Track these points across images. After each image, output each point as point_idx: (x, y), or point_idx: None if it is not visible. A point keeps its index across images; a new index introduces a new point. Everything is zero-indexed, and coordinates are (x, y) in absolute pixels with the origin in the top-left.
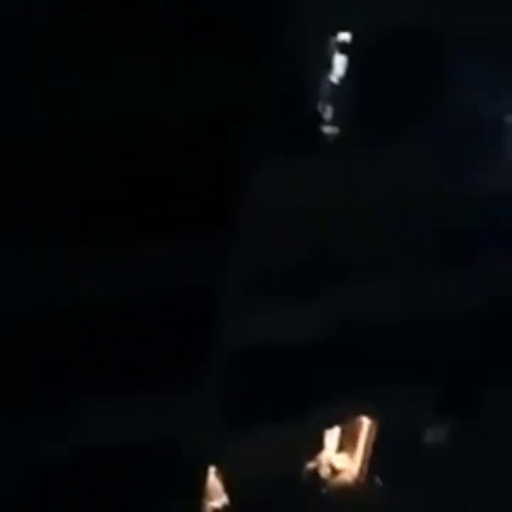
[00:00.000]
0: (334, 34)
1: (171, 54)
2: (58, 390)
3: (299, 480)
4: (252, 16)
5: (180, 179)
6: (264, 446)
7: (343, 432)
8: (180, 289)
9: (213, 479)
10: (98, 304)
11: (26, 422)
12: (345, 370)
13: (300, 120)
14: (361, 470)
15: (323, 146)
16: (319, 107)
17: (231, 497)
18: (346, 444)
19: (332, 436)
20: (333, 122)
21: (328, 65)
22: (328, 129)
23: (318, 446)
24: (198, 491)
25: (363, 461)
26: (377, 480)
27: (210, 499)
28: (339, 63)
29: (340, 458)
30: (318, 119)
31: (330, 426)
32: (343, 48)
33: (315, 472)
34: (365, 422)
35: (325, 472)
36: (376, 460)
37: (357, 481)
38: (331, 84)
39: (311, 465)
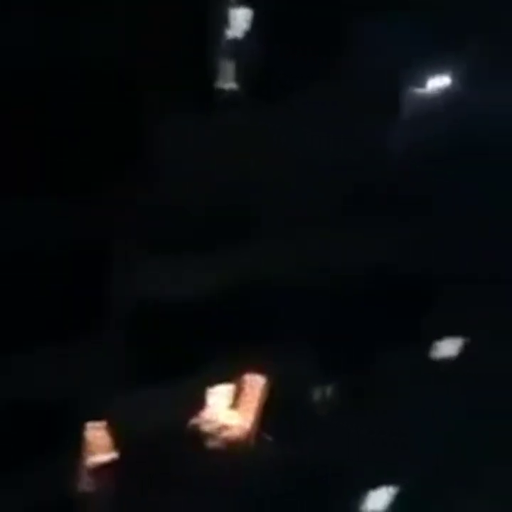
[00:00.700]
0: None
1: None
2: None
3: (185, 435)
4: None
5: (75, 133)
6: (154, 403)
7: (238, 390)
8: (74, 244)
9: (103, 434)
10: None
11: None
12: (235, 329)
13: (197, 76)
14: (252, 427)
15: (222, 102)
16: (218, 63)
17: (120, 452)
18: (241, 401)
19: (225, 393)
20: (233, 79)
21: (227, 20)
22: (227, 85)
23: (203, 403)
24: (79, 445)
25: (254, 418)
26: (267, 436)
27: (99, 453)
28: (242, 18)
29: (232, 414)
30: (215, 75)
31: (219, 382)
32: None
33: (198, 428)
34: (259, 381)
35: (212, 427)
36: (267, 417)
37: (247, 436)
38: (233, 39)
39: (195, 420)
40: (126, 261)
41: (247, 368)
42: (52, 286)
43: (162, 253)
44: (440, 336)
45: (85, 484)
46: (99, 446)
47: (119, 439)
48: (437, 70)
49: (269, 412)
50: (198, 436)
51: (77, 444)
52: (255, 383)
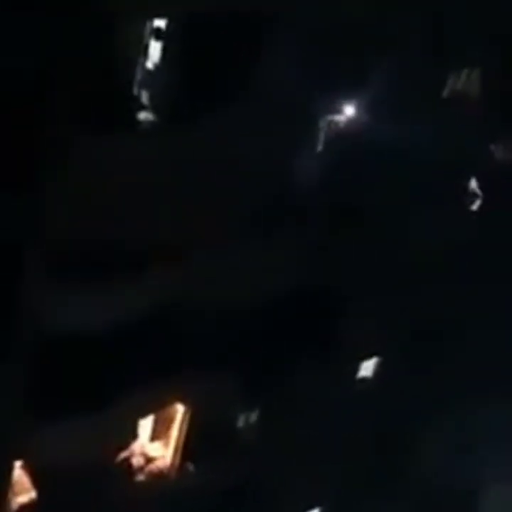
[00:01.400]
0: (151, 20)
1: None
2: None
3: (111, 470)
4: None
5: None
6: (73, 437)
7: (158, 420)
8: None
9: (20, 473)
10: None
11: None
12: (154, 358)
13: (116, 103)
14: (174, 457)
15: (139, 130)
16: (136, 92)
17: (39, 491)
18: (161, 432)
19: (145, 424)
20: (149, 107)
21: (145, 51)
22: (143, 114)
23: (131, 435)
24: (4, 486)
25: (176, 449)
26: (189, 466)
27: (17, 494)
28: (155, 49)
29: (154, 446)
30: (134, 104)
31: (142, 414)
32: (158, 33)
33: (127, 461)
34: (180, 410)
35: (138, 461)
36: (189, 447)
37: (170, 468)
38: (147, 70)
39: (123, 454)
40: (34, 291)
41: (166, 398)
42: None
43: (71, 283)
44: (355, 356)
45: None
46: (17, 485)
47: (38, 477)
48: (344, 100)
49: (190, 440)
50: (128, 470)
51: (3, 485)
52: (174, 413)
